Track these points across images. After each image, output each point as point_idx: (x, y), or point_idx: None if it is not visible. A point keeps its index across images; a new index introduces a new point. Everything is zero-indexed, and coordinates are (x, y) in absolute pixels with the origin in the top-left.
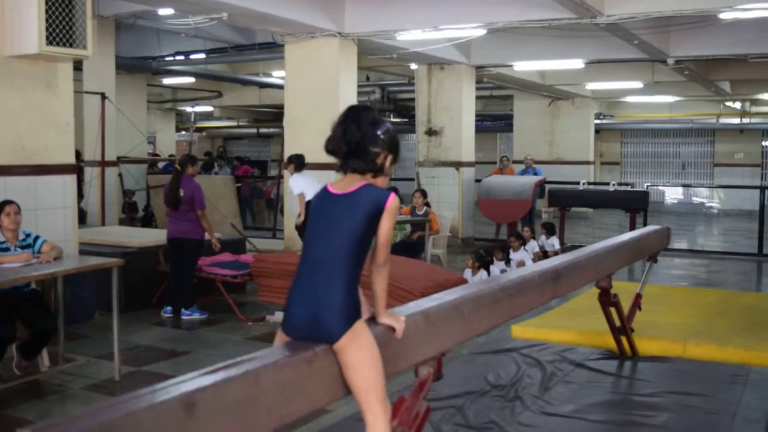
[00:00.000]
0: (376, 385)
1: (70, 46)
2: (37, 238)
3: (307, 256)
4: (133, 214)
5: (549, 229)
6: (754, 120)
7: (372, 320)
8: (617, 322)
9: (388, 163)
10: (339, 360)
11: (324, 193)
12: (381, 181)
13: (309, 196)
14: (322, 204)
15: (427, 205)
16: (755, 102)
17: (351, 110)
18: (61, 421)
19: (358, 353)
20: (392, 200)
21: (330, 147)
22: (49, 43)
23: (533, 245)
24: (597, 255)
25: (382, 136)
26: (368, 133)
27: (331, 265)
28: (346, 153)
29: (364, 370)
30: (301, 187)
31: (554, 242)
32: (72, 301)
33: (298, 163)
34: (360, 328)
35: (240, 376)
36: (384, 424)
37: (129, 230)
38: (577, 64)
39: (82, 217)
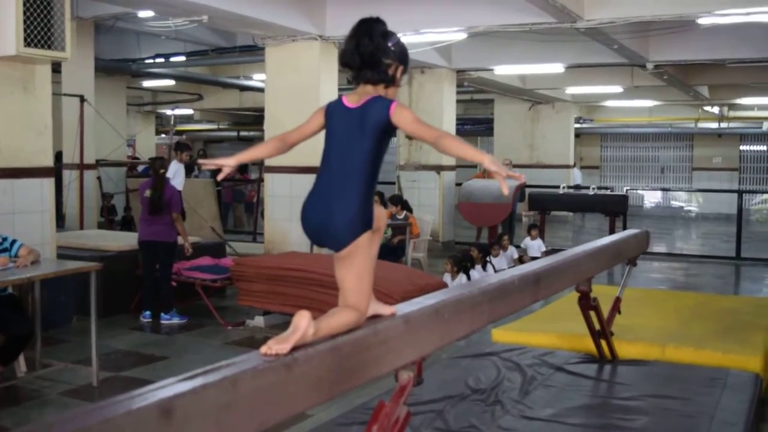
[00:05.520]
0: (368, 290)
1: (49, 47)
2: (14, 242)
3: (324, 170)
4: (111, 217)
5: (542, 235)
6: (732, 124)
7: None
8: (597, 326)
9: (399, 74)
10: (340, 262)
11: (339, 106)
12: (392, 92)
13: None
14: (337, 119)
15: (406, 208)
16: (733, 107)
17: (362, 23)
18: (35, 427)
19: (363, 258)
20: (396, 104)
21: (344, 60)
22: (27, 44)
23: (512, 252)
24: (577, 259)
25: (393, 48)
26: (380, 45)
27: (346, 179)
28: (359, 65)
29: (364, 277)
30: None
31: (540, 244)
32: (49, 306)
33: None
34: (367, 238)
35: (218, 381)
36: (359, 315)
37: (107, 234)
38: (558, 68)
39: (61, 221)
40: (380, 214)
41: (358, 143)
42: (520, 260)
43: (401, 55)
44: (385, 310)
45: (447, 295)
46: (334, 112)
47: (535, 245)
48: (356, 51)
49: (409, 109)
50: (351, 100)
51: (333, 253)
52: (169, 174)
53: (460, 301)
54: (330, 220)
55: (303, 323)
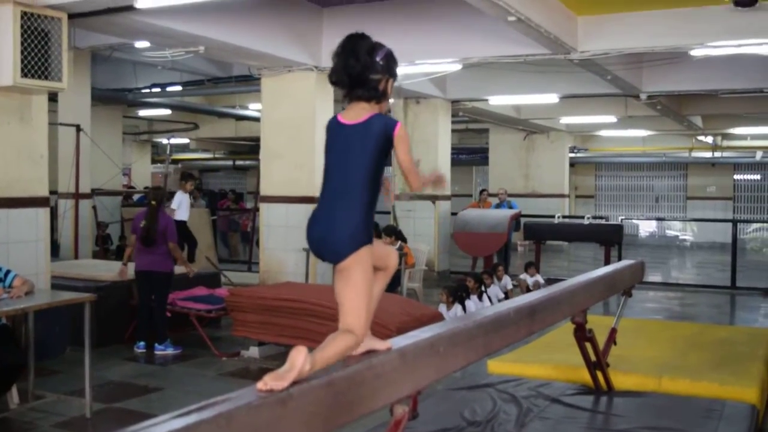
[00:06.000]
0: (366, 303)
1: (45, 78)
2: (8, 272)
3: (327, 186)
4: (106, 247)
5: (536, 268)
6: (725, 154)
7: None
8: (593, 357)
9: (389, 87)
10: (339, 275)
11: (335, 123)
12: (384, 105)
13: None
14: (335, 135)
15: (400, 239)
16: (726, 136)
17: (348, 41)
18: None
19: (360, 275)
20: (400, 128)
21: (333, 79)
22: (24, 75)
23: (506, 281)
24: (572, 290)
25: (380, 62)
26: (367, 63)
27: (349, 194)
28: (349, 84)
29: (361, 292)
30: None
31: (539, 279)
32: (43, 336)
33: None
34: (365, 252)
35: (213, 418)
36: (355, 338)
37: (102, 263)
38: (552, 98)
39: (55, 250)
40: (389, 253)
41: (360, 158)
42: (527, 289)
43: (389, 67)
44: (380, 345)
45: (442, 329)
46: (331, 129)
47: (532, 282)
48: (344, 71)
49: (408, 140)
50: (347, 117)
51: (331, 281)
52: (173, 205)
53: (455, 335)
54: (331, 231)
55: (299, 360)
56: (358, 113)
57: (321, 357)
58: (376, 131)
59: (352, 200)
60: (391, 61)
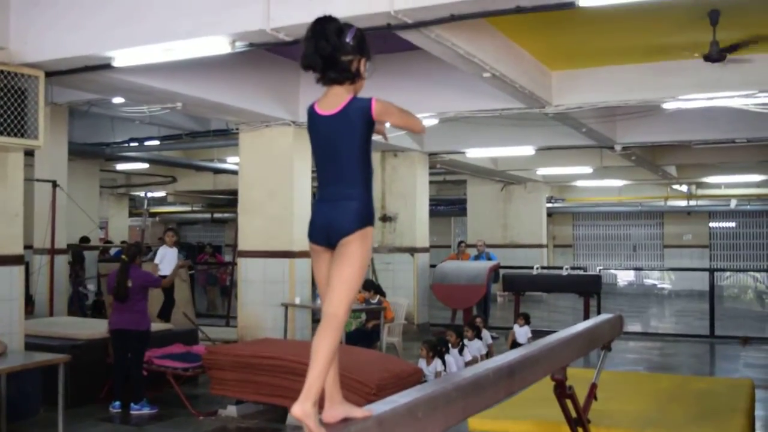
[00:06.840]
0: (357, 284)
1: (22, 136)
2: None
3: (323, 178)
4: (82, 302)
5: (526, 318)
6: (700, 202)
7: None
8: (573, 414)
9: (362, 66)
10: (340, 251)
11: (314, 115)
12: (360, 85)
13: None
14: (317, 128)
15: (379, 293)
16: (701, 185)
17: (316, 23)
18: None
19: (360, 251)
20: (375, 104)
21: (305, 63)
22: (0, 133)
23: (486, 336)
24: (551, 349)
25: (351, 42)
26: (337, 44)
27: (346, 179)
28: (322, 67)
29: (356, 268)
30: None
31: (526, 331)
32: (16, 398)
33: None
34: (369, 232)
35: None
36: (341, 319)
37: (78, 321)
38: (528, 150)
39: (30, 306)
40: None
41: (347, 147)
42: (514, 342)
43: (360, 47)
44: (358, 413)
45: (420, 393)
46: (311, 121)
47: (522, 332)
48: (316, 53)
49: (388, 103)
50: (324, 107)
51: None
52: (156, 260)
53: (433, 399)
54: (337, 213)
55: (305, 418)
56: (334, 101)
57: (317, 375)
58: (354, 119)
59: (351, 183)
60: (361, 40)
